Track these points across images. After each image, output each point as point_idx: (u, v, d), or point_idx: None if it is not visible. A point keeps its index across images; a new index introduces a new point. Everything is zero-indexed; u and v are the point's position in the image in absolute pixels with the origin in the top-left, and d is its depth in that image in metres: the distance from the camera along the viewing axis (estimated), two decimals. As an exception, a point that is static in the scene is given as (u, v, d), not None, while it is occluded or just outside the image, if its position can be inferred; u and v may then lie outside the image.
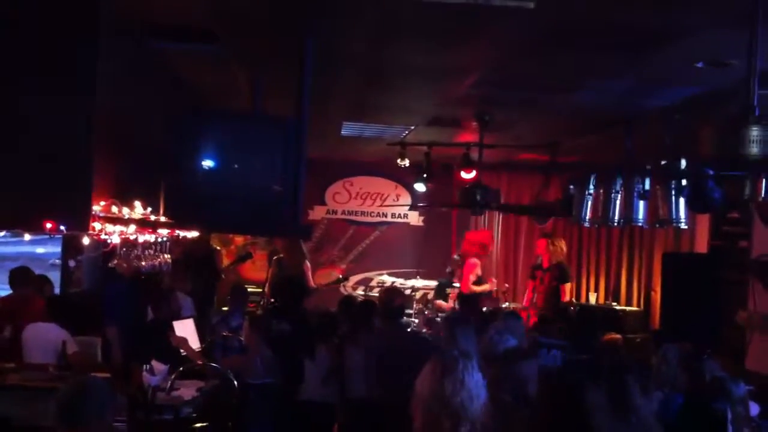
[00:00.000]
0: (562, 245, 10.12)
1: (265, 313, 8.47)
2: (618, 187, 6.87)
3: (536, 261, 10.28)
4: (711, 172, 4.32)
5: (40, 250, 8.77)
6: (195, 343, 6.95)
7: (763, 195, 3.84)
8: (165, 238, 7.48)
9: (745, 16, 3.77)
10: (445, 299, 10.45)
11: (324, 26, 5.00)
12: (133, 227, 6.33)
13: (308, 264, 10.42)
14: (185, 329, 6.92)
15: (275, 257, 10.09)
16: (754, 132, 3.45)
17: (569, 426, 3.17)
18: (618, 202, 6.91)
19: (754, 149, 3.42)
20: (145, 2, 4.81)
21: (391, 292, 8.48)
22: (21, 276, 7.21)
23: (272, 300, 9.11)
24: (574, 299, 10.62)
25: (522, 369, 4.22)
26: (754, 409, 4.80)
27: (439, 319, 9.60)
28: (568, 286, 10.00)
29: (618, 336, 7.38)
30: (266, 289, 9.83)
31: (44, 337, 6.44)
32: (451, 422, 3.31)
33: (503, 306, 10.10)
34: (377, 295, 11.38)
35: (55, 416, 3.39)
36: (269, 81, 6.07)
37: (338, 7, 4.71)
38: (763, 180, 3.77)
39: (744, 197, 4.03)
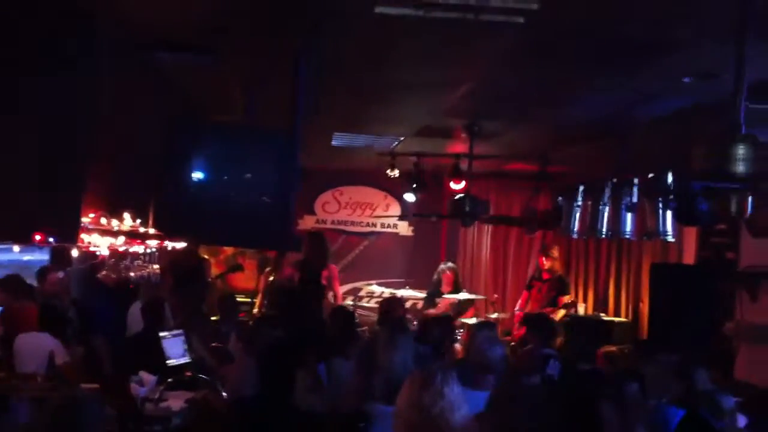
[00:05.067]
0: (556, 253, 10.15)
1: (254, 323, 8.44)
2: (606, 199, 6.90)
3: (534, 272, 10.27)
4: (698, 187, 4.33)
5: (26, 257, 8.72)
6: (183, 356, 6.89)
7: (750, 211, 3.85)
8: (154, 249, 7.46)
9: (733, 30, 3.77)
10: (434, 308, 10.46)
11: (317, 44, 5.01)
12: (122, 239, 6.32)
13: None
14: (172, 341, 6.87)
15: (267, 269, 10.06)
16: (740, 150, 3.44)
17: None
18: (606, 214, 6.94)
19: (740, 168, 3.42)
20: (140, 14, 4.81)
21: (392, 302, 8.46)
22: (5, 284, 7.17)
23: (263, 309, 9.09)
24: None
25: (531, 382, 4.19)
26: (742, 421, 4.83)
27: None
28: (566, 298, 10.01)
29: (614, 348, 7.39)
30: (258, 299, 9.81)
31: (37, 347, 6.40)
32: None
33: (492, 316, 10.10)
34: (366, 305, 11.48)
35: (48, 430, 3.39)
36: (263, 93, 6.08)
37: (331, 26, 4.72)
38: (749, 197, 3.78)
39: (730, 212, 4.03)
